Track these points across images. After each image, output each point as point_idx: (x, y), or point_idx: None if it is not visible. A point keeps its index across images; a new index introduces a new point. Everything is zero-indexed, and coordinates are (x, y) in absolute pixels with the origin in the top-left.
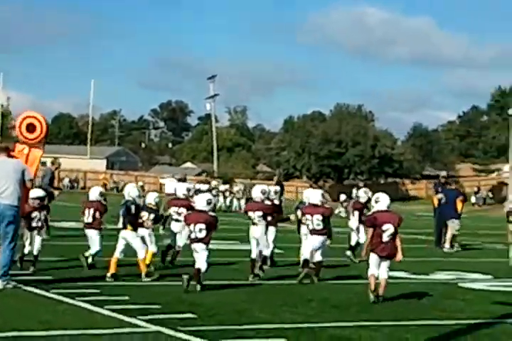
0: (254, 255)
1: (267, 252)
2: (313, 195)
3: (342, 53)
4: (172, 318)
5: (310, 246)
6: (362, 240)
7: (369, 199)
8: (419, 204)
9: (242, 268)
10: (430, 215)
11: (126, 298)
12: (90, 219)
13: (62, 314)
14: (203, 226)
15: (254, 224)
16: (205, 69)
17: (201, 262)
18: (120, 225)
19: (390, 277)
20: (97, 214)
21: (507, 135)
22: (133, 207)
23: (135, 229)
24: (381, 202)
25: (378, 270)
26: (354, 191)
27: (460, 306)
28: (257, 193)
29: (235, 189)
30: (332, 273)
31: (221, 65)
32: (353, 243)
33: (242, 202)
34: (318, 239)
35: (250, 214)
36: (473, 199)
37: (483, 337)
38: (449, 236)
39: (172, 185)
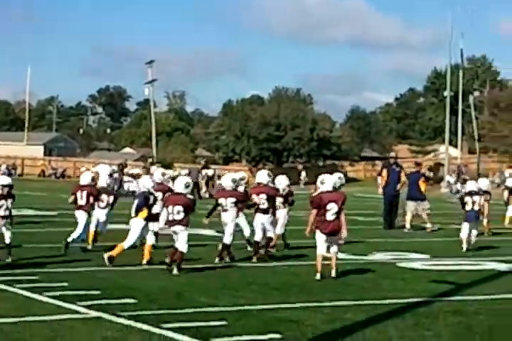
0: (227, 240)
1: (228, 240)
2: (259, 175)
3: (279, 37)
4: (112, 304)
5: (258, 224)
6: None
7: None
8: (357, 185)
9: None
10: (368, 196)
11: (65, 284)
12: (84, 202)
13: None
14: (180, 208)
15: (225, 210)
16: (144, 55)
17: (182, 243)
18: (133, 213)
19: (328, 258)
20: (91, 198)
21: (443, 116)
22: (151, 198)
23: (147, 219)
24: (326, 183)
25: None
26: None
27: (398, 285)
28: (227, 182)
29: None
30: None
31: (160, 50)
32: None
33: None
34: (264, 218)
35: (222, 200)
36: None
37: (421, 315)
38: (408, 217)
39: (104, 176)
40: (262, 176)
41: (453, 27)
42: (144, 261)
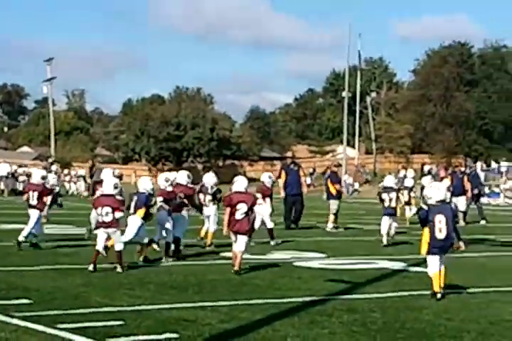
0: (169, 239)
1: (169, 238)
2: (179, 176)
3: (181, 37)
4: (6, 304)
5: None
6: None
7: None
8: (257, 186)
9: (79, 252)
10: None
11: None
12: (35, 202)
13: None
14: (109, 209)
15: (158, 209)
16: (43, 52)
17: (117, 243)
18: (131, 211)
19: (227, 258)
20: (42, 197)
21: (341, 117)
22: (152, 199)
23: (145, 218)
24: (237, 184)
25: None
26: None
27: (295, 284)
28: (161, 181)
29: (73, 173)
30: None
31: (59, 48)
32: None
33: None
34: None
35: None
36: (308, 180)
37: (317, 313)
38: (331, 217)
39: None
40: (182, 177)
41: (351, 29)
42: (140, 259)
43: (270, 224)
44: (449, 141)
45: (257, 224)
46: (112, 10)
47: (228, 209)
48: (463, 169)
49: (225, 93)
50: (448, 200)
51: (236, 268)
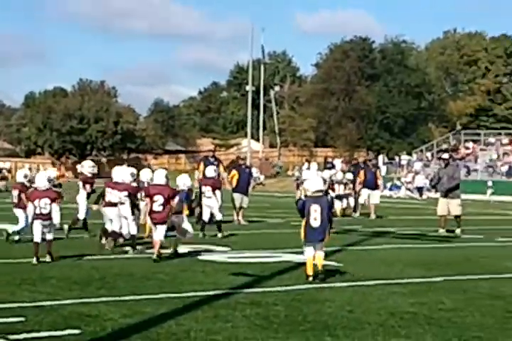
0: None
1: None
2: (122, 173)
3: (83, 28)
4: None
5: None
6: None
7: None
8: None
9: None
10: None
11: None
12: (16, 200)
13: None
14: (48, 201)
15: (122, 203)
16: None
17: (50, 233)
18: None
19: (130, 252)
20: (22, 195)
21: (245, 110)
22: (191, 194)
23: (191, 214)
24: (157, 177)
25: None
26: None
27: (199, 278)
28: (126, 175)
29: None
30: (74, 250)
31: None
32: None
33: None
34: (114, 211)
35: (117, 193)
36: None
37: (220, 307)
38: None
39: None
40: (125, 175)
41: (254, 23)
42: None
43: (219, 216)
44: (352, 134)
45: (206, 217)
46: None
47: (148, 200)
48: (374, 162)
49: (129, 86)
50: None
51: (156, 253)
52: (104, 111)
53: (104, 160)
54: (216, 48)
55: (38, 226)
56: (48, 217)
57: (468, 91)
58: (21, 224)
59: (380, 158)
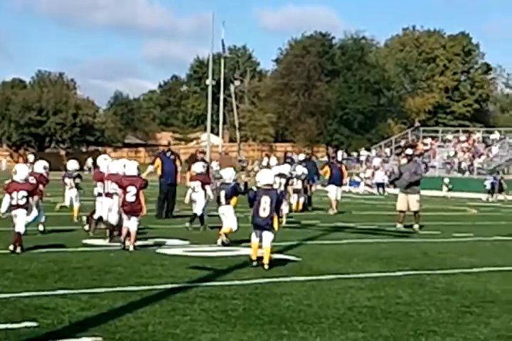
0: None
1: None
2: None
3: (43, 19)
4: None
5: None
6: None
7: None
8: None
9: None
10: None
11: None
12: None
13: None
14: (25, 193)
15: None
16: None
17: (20, 226)
18: (223, 202)
19: (88, 245)
20: (40, 186)
21: (205, 104)
22: (237, 187)
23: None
24: (128, 168)
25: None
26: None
27: (157, 272)
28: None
29: None
30: (32, 241)
31: None
32: None
33: None
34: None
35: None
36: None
37: (178, 301)
38: None
39: None
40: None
41: (214, 17)
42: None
43: (199, 211)
44: (311, 130)
45: (198, 211)
46: None
47: (120, 191)
48: (340, 159)
49: (89, 78)
50: (277, 185)
51: (130, 244)
52: (63, 104)
53: (62, 152)
54: (178, 42)
55: (20, 215)
56: (23, 206)
57: (426, 88)
58: (34, 213)
59: (339, 153)
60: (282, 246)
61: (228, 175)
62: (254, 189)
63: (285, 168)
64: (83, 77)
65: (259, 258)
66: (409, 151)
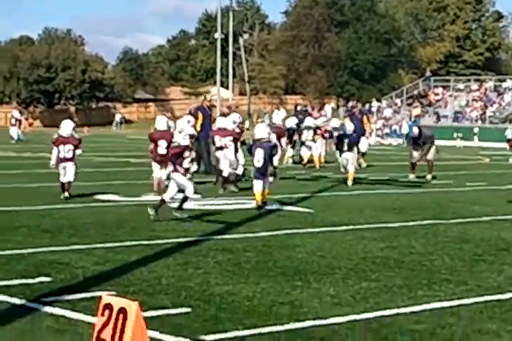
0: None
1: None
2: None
3: None
4: None
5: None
6: None
7: None
8: (132, 127)
9: None
10: (142, 138)
11: None
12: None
13: None
14: (71, 147)
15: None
16: None
17: (70, 175)
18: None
19: (100, 200)
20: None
21: (214, 58)
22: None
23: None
24: (158, 123)
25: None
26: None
27: (170, 226)
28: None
29: None
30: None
31: None
32: None
33: None
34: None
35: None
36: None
37: (191, 254)
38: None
39: None
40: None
41: None
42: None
43: (240, 170)
44: (322, 81)
45: (225, 171)
46: None
47: (152, 145)
48: (361, 109)
49: (97, 34)
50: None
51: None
52: (71, 60)
53: (72, 109)
54: None
55: (67, 168)
56: (69, 159)
57: (437, 37)
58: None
59: (349, 104)
60: (294, 198)
61: (263, 133)
62: (251, 142)
63: (292, 121)
64: (91, 33)
65: (263, 203)
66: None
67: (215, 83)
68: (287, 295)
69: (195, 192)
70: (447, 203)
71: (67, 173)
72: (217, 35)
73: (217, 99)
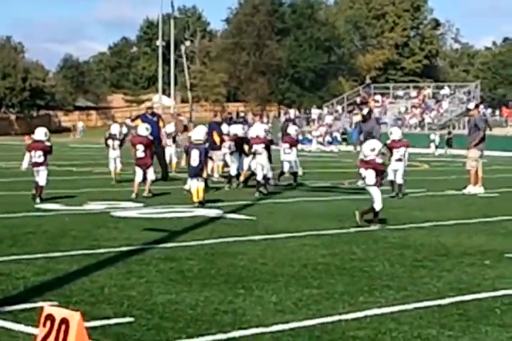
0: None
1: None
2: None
3: None
4: None
5: None
6: None
7: None
8: (72, 135)
9: None
10: (83, 147)
11: None
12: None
13: None
14: (41, 152)
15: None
16: None
17: (42, 179)
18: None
19: (41, 210)
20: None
21: (156, 66)
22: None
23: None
24: (140, 130)
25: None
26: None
27: (112, 234)
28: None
29: None
30: None
31: None
32: None
33: None
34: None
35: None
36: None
37: (134, 263)
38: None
39: None
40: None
41: None
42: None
43: (270, 174)
44: (263, 89)
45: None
46: None
47: (133, 149)
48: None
49: (37, 41)
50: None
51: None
52: (11, 68)
53: (13, 117)
54: (126, 3)
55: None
56: (40, 164)
57: (376, 45)
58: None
59: (292, 111)
60: (236, 206)
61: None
62: (188, 144)
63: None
64: (32, 40)
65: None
66: (365, 111)
67: (157, 91)
68: (230, 303)
69: (133, 201)
70: (387, 209)
71: (40, 177)
72: (159, 42)
73: (160, 106)
